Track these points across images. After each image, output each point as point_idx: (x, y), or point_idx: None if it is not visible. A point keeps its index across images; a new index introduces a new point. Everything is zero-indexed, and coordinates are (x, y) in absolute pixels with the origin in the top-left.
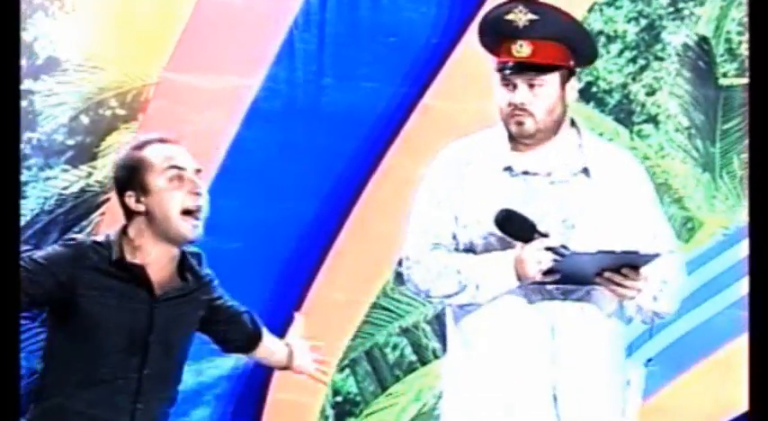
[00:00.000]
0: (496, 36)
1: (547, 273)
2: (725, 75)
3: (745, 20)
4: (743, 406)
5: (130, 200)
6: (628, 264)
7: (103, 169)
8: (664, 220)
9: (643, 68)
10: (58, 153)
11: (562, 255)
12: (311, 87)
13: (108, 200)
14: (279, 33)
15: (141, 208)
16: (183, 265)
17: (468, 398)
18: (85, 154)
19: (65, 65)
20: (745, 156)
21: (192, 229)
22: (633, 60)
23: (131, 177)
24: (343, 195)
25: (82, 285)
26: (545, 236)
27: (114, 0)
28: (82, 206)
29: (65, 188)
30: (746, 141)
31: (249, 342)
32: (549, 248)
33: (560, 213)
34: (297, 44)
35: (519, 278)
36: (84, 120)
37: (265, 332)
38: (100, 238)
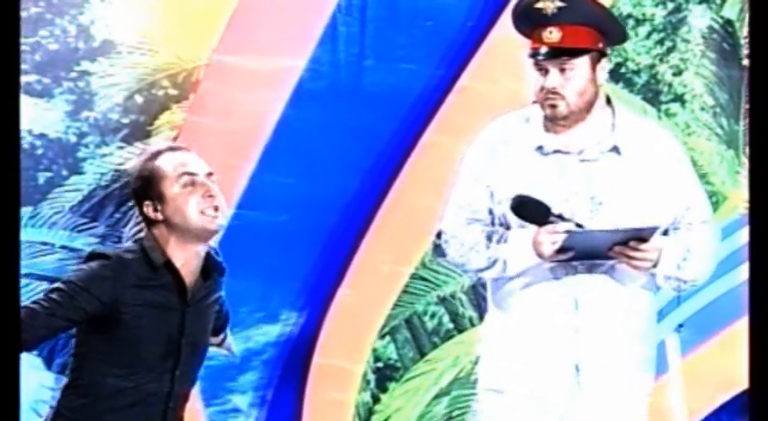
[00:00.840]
0: (528, 23)
1: (561, 251)
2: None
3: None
4: None
5: (149, 209)
6: (635, 238)
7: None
8: (698, 193)
9: (670, 50)
10: (114, 131)
11: (574, 232)
12: (353, 68)
13: None
14: (323, 17)
15: (160, 216)
16: (207, 263)
17: (498, 365)
18: (139, 132)
19: (120, 47)
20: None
21: (212, 221)
22: (660, 42)
23: (147, 187)
24: (383, 171)
25: (124, 303)
26: (560, 217)
27: None
28: None
29: (120, 164)
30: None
31: (218, 329)
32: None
33: (589, 190)
34: (340, 27)
35: (538, 256)
36: (138, 99)
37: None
38: (133, 248)
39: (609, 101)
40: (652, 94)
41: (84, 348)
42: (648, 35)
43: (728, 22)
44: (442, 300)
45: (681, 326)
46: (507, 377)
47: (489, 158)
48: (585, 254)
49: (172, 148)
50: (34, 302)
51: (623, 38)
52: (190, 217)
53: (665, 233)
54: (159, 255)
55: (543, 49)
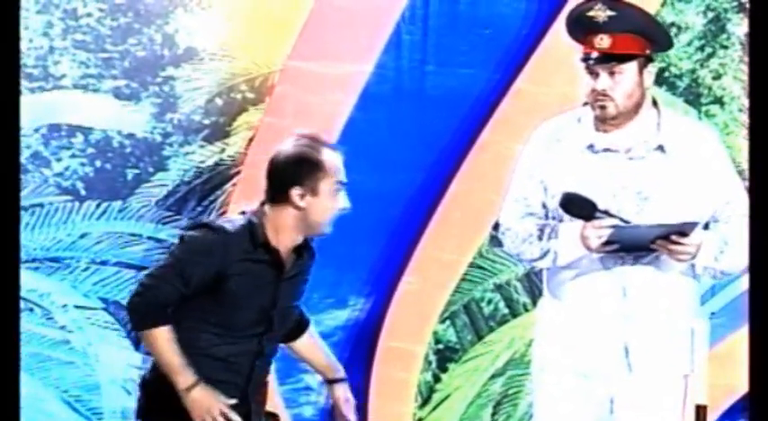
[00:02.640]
0: (580, 30)
1: (607, 243)
2: None
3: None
4: None
5: (296, 194)
6: (677, 232)
7: (235, 146)
8: (738, 188)
9: (710, 56)
10: (196, 131)
11: (619, 227)
12: (416, 73)
13: (239, 172)
14: (388, 25)
15: (304, 205)
16: (302, 245)
17: (552, 347)
18: (219, 132)
19: (201, 54)
20: None
21: (329, 227)
22: (701, 48)
23: (305, 176)
24: (444, 168)
25: (228, 273)
26: (605, 213)
27: None
28: (216, 178)
29: (201, 162)
30: None
31: (295, 329)
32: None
33: (635, 186)
34: (403, 35)
35: (586, 248)
36: (219, 102)
37: (313, 331)
38: (241, 222)
39: (655, 103)
40: (693, 96)
41: (185, 307)
42: (690, 42)
43: None
44: (498, 287)
45: (713, 313)
46: (560, 358)
47: (543, 156)
48: (630, 246)
49: (331, 146)
50: (148, 277)
51: (669, 45)
52: (325, 218)
53: (706, 226)
54: (262, 235)
55: (594, 54)
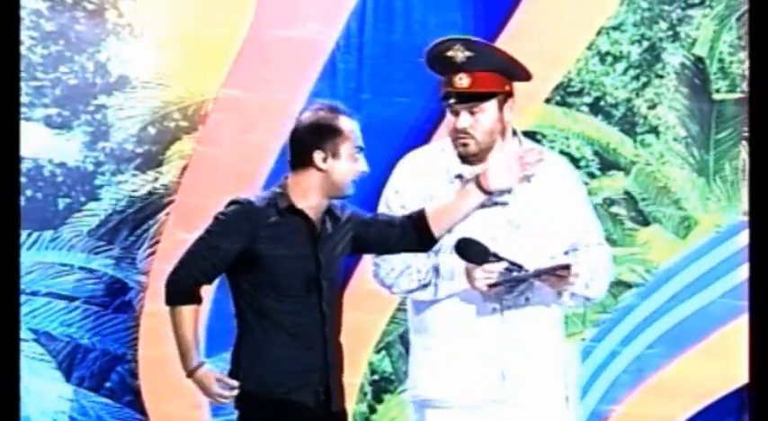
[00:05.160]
0: (440, 69)
1: (492, 285)
2: (718, 90)
3: (744, 36)
4: (735, 383)
5: (318, 157)
6: (558, 269)
7: (168, 174)
8: (593, 217)
9: (645, 85)
10: (129, 160)
11: (510, 272)
12: (351, 102)
13: (172, 201)
14: (323, 54)
15: (324, 167)
16: (330, 209)
17: (429, 378)
18: (152, 161)
19: (134, 82)
20: (737, 162)
21: (351, 188)
22: (636, 78)
23: (325, 139)
24: (378, 198)
25: (261, 239)
26: (496, 255)
27: (177, 25)
28: (149, 207)
29: (134, 191)
30: (738, 149)
31: (417, 227)
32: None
33: (506, 215)
34: (338, 64)
35: (472, 287)
36: (151, 130)
37: (428, 208)
38: (266, 194)
39: (515, 133)
40: (629, 125)
41: (243, 282)
42: (625, 71)
43: (699, 60)
44: None
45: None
46: (439, 389)
47: (411, 186)
48: (513, 284)
49: (349, 114)
50: (186, 253)
51: (528, 78)
52: (347, 180)
53: (566, 254)
54: (287, 199)
55: (454, 94)
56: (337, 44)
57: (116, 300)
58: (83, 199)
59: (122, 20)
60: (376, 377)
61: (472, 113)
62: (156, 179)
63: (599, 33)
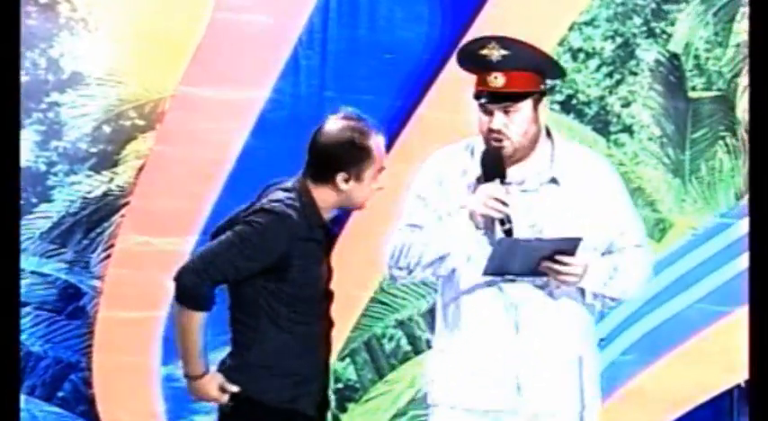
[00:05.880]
0: (472, 67)
1: (490, 263)
2: (693, 88)
3: (738, 35)
4: (713, 390)
5: (341, 179)
6: (560, 251)
7: (123, 175)
8: (634, 219)
9: (619, 82)
10: (83, 160)
11: (503, 225)
12: (314, 100)
13: (128, 203)
14: (285, 50)
15: (346, 188)
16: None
17: (446, 382)
18: (107, 161)
19: (88, 79)
20: (713, 162)
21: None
22: (610, 75)
23: (352, 161)
24: None
25: (294, 254)
26: (506, 182)
27: (133, 20)
28: (104, 209)
29: (88, 192)
30: (714, 148)
31: None
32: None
33: (529, 219)
34: (301, 60)
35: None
36: (106, 129)
37: None
38: (291, 200)
39: (549, 133)
40: (602, 124)
41: (263, 289)
42: (598, 68)
43: (675, 56)
44: (400, 323)
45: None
46: (454, 393)
47: (436, 186)
48: (514, 265)
49: (377, 130)
50: (210, 254)
51: (563, 75)
52: (363, 202)
53: (602, 256)
54: (319, 216)
55: (487, 93)
56: (300, 39)
57: (69, 305)
58: (34, 200)
59: (76, 14)
60: (340, 385)
61: (507, 113)
62: (111, 180)
63: (571, 29)
